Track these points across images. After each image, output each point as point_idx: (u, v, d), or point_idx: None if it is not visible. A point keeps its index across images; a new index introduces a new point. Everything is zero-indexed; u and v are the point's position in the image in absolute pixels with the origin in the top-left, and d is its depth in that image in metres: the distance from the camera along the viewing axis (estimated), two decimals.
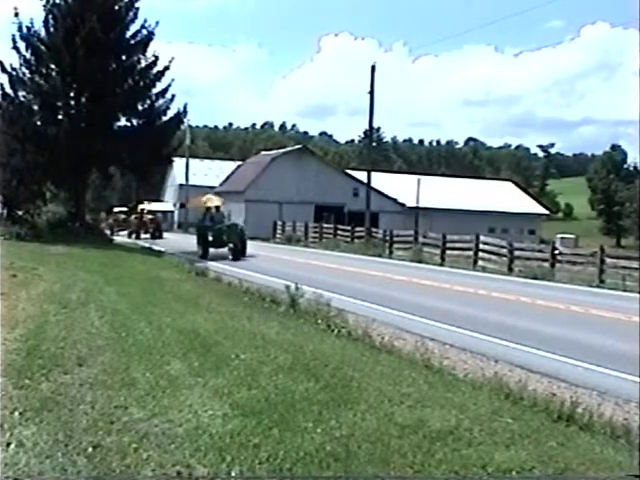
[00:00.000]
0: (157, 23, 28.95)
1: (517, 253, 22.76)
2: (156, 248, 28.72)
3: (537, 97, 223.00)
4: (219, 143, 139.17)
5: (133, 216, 42.53)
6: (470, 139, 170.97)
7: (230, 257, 23.25)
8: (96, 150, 26.26)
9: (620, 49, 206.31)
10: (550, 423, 5.21)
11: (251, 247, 25.71)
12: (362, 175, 43.25)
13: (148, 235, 41.42)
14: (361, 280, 17.41)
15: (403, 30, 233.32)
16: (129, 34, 28.58)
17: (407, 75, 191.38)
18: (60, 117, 28.07)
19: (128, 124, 29.16)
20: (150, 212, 44.66)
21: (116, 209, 50.73)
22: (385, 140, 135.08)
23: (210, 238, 24.48)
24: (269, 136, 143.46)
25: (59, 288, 11.52)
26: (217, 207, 26.89)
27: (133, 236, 41.33)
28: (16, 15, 26.64)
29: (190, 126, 56.85)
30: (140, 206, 42.64)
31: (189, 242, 29.50)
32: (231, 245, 23.90)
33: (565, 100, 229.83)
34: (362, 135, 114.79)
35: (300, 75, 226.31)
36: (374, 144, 56.24)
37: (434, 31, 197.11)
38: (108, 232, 42.32)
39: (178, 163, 54.87)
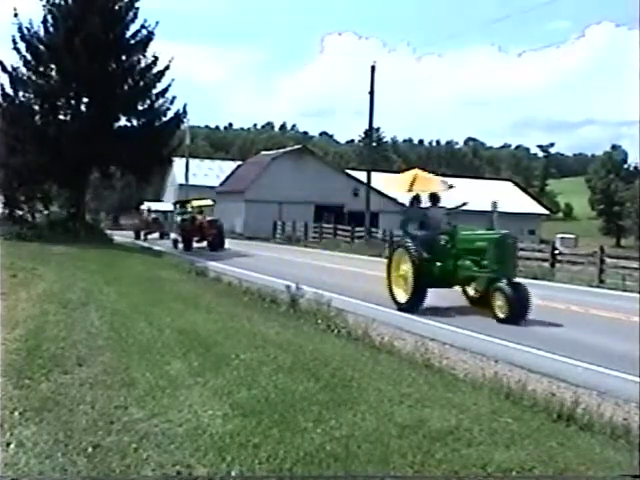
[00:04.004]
0: (157, 23, 29.15)
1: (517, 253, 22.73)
2: (156, 248, 28.68)
3: (539, 97, 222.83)
4: (219, 143, 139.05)
5: (179, 217, 32.25)
6: (470, 139, 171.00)
7: (502, 315, 10.52)
8: (96, 150, 26.30)
9: (624, 50, 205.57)
10: (550, 423, 5.21)
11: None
12: (362, 175, 43.26)
13: (204, 244, 29.53)
14: (361, 280, 17.39)
15: (407, 30, 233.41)
16: (129, 34, 28.70)
17: (410, 75, 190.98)
18: (60, 117, 28.17)
19: (128, 124, 29.25)
20: (198, 208, 32.26)
21: (144, 206, 44.93)
22: (385, 140, 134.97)
23: (431, 268, 11.72)
24: (269, 136, 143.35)
25: (59, 288, 11.53)
26: (434, 196, 12.84)
27: (180, 246, 29.89)
28: (15, 15, 26.78)
29: (190, 126, 56.86)
30: (194, 203, 32.96)
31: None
32: (504, 287, 10.64)
33: (567, 100, 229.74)
34: (362, 135, 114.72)
35: (302, 75, 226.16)
36: (374, 144, 56.28)
37: (438, 31, 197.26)
38: (133, 235, 38.41)
39: (178, 163, 54.95)
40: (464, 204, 13.53)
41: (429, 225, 12.51)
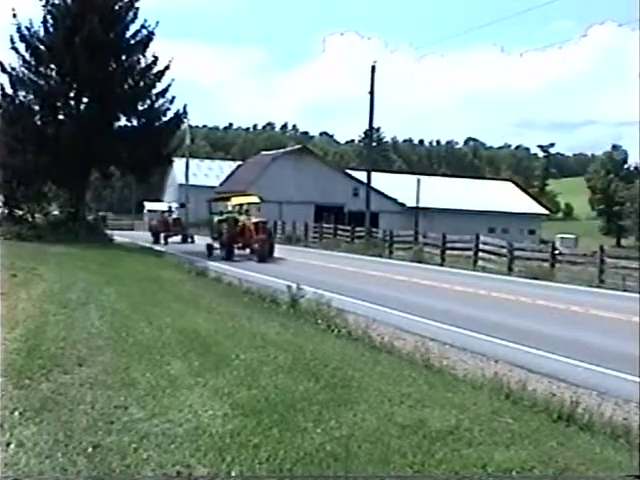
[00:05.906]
0: (157, 23, 29.12)
1: (517, 253, 22.76)
2: (157, 248, 28.67)
3: (540, 97, 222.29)
4: (219, 143, 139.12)
5: (216, 218, 25.80)
6: (470, 139, 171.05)
7: None
8: (96, 150, 26.30)
9: (627, 50, 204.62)
10: (550, 423, 5.21)
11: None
12: (362, 175, 43.30)
13: (247, 251, 23.96)
14: (361, 280, 17.39)
15: (409, 30, 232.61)
16: (129, 34, 28.69)
17: (411, 75, 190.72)
18: (60, 117, 28.16)
19: (128, 124, 29.25)
20: (241, 206, 25.77)
21: (150, 205, 43.06)
22: (385, 140, 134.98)
23: None
24: (269, 136, 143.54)
25: (59, 288, 11.53)
26: None
27: (216, 252, 24.42)
28: (14, 16, 26.77)
29: (190, 126, 56.84)
30: (235, 200, 26.27)
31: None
32: None
33: (568, 100, 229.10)
34: (362, 135, 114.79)
35: (303, 75, 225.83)
36: (374, 144, 56.37)
37: (440, 31, 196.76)
38: (152, 238, 34.30)
39: (178, 163, 54.95)
40: None
41: None
